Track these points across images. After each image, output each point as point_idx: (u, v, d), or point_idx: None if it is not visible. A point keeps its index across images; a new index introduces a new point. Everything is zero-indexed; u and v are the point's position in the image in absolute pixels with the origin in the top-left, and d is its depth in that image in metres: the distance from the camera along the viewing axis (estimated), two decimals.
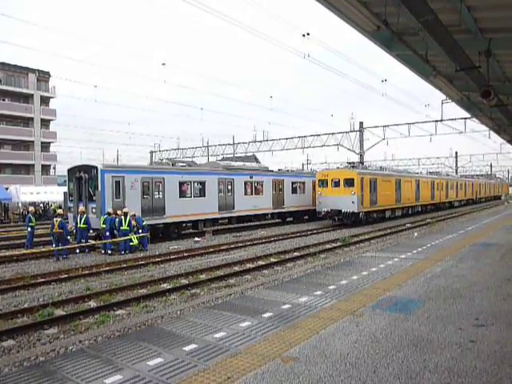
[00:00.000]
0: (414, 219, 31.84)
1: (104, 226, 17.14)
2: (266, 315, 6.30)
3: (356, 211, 26.74)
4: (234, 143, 46.19)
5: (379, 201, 29.36)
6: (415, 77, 10.82)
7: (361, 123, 36.19)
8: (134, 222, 17.83)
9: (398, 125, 35.42)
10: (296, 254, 16.58)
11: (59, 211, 17.16)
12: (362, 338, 5.31)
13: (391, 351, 4.92)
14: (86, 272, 13.37)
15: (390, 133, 36.21)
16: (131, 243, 17.34)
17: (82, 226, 17.29)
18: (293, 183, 30.63)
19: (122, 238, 17.29)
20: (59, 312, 9.15)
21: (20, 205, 38.49)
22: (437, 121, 33.48)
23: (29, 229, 18.99)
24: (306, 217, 31.90)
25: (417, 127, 34.81)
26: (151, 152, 51.37)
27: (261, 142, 43.16)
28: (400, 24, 7.79)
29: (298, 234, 23.22)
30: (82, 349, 5.22)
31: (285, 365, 4.59)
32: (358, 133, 35.99)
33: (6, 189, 39.15)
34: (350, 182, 27.11)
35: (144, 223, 18.27)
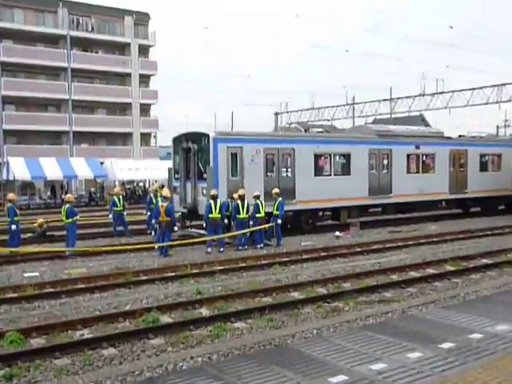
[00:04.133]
0: None
1: (219, 215, 18.12)
2: (445, 346, 6.16)
3: None
4: (391, 98, 44.92)
5: None
6: None
7: None
8: (262, 211, 18.68)
9: None
10: (485, 260, 15.71)
11: (165, 192, 18.57)
12: None
13: None
14: (196, 271, 14.42)
15: None
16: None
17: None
18: (482, 156, 28.77)
19: (242, 231, 18.30)
20: (166, 319, 10.09)
21: (117, 183, 43.13)
22: None
23: (110, 215, 21.47)
24: (502, 206, 29.80)
25: None
26: (276, 114, 52.74)
27: (432, 95, 41.15)
28: None
29: (489, 232, 21.81)
30: (200, 367, 5.71)
31: None
32: None
33: (101, 163, 43.97)
34: None
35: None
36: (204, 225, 18.98)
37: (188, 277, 13.74)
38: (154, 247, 17.89)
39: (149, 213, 21.16)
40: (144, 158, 51.98)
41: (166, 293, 12.11)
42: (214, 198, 18.15)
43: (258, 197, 18.83)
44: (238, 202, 18.50)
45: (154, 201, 20.41)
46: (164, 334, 9.20)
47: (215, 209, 17.93)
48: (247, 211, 18.47)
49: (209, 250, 17.73)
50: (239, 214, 18.44)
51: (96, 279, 13.58)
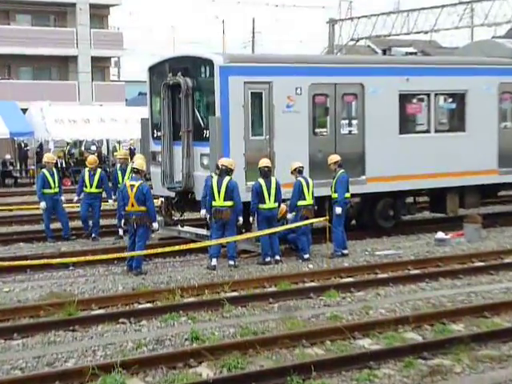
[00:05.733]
0: None
1: (230, 202, 17.86)
2: None
3: None
4: None
5: None
6: None
7: None
8: (309, 195, 18.74)
9: None
10: None
11: (137, 162, 18.42)
12: None
13: None
14: (191, 300, 14.59)
15: None
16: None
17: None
18: None
19: (269, 230, 18.34)
20: None
21: (51, 146, 43.29)
22: None
23: (42, 203, 21.87)
24: None
25: None
26: (331, 23, 52.37)
27: None
28: None
29: None
30: None
31: None
32: None
33: (24, 111, 44.08)
34: None
35: (347, 195, 19.29)
36: (207, 218, 19.00)
37: (177, 310, 13.80)
38: (115, 258, 18.08)
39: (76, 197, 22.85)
40: (98, 103, 52.00)
41: (137, 338, 12.18)
42: (224, 172, 18.12)
43: (300, 171, 18.90)
44: (261, 181, 18.50)
45: (121, 177, 20.71)
46: None
47: (218, 192, 17.88)
48: (276, 197, 18.54)
49: (213, 262, 17.85)
50: (263, 201, 18.46)
51: (16, 314, 13.68)
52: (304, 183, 18.74)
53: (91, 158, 23.82)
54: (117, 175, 22.59)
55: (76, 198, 23.06)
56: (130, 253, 17.65)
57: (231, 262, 17.98)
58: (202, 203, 19.00)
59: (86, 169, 22.83)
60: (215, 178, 18.09)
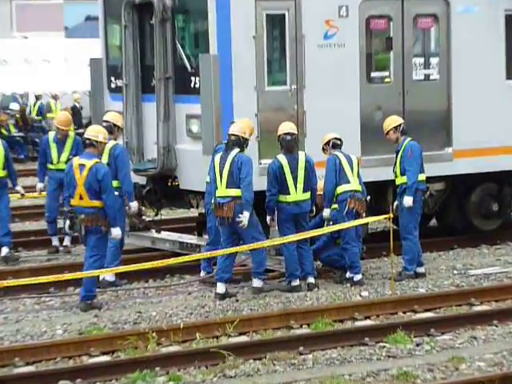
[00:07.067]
0: None
1: (236, 190, 17.86)
2: None
3: None
4: None
5: None
6: None
7: None
8: (354, 179, 18.76)
9: None
10: None
11: (91, 128, 18.48)
12: None
13: None
14: (172, 349, 14.66)
15: None
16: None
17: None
18: None
19: (295, 236, 18.40)
20: None
21: None
22: None
23: None
24: None
25: None
26: None
27: None
28: None
29: None
30: None
31: None
32: None
33: None
34: None
35: (421, 177, 19.15)
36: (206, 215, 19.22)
37: (151, 366, 13.74)
38: (51, 284, 18.23)
39: None
40: (21, 33, 52.26)
41: None
42: (232, 144, 18.11)
43: (335, 144, 19.02)
44: (282, 158, 18.55)
45: (55, 153, 20.86)
46: None
47: (220, 175, 17.95)
48: (307, 183, 18.61)
49: (220, 289, 18.02)
50: (286, 191, 18.56)
51: None
52: (344, 159, 18.71)
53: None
54: (49, 149, 22.52)
55: None
56: (81, 273, 17.64)
57: (257, 283, 18.17)
58: (207, 190, 18.96)
59: None
60: (219, 155, 18.10)
